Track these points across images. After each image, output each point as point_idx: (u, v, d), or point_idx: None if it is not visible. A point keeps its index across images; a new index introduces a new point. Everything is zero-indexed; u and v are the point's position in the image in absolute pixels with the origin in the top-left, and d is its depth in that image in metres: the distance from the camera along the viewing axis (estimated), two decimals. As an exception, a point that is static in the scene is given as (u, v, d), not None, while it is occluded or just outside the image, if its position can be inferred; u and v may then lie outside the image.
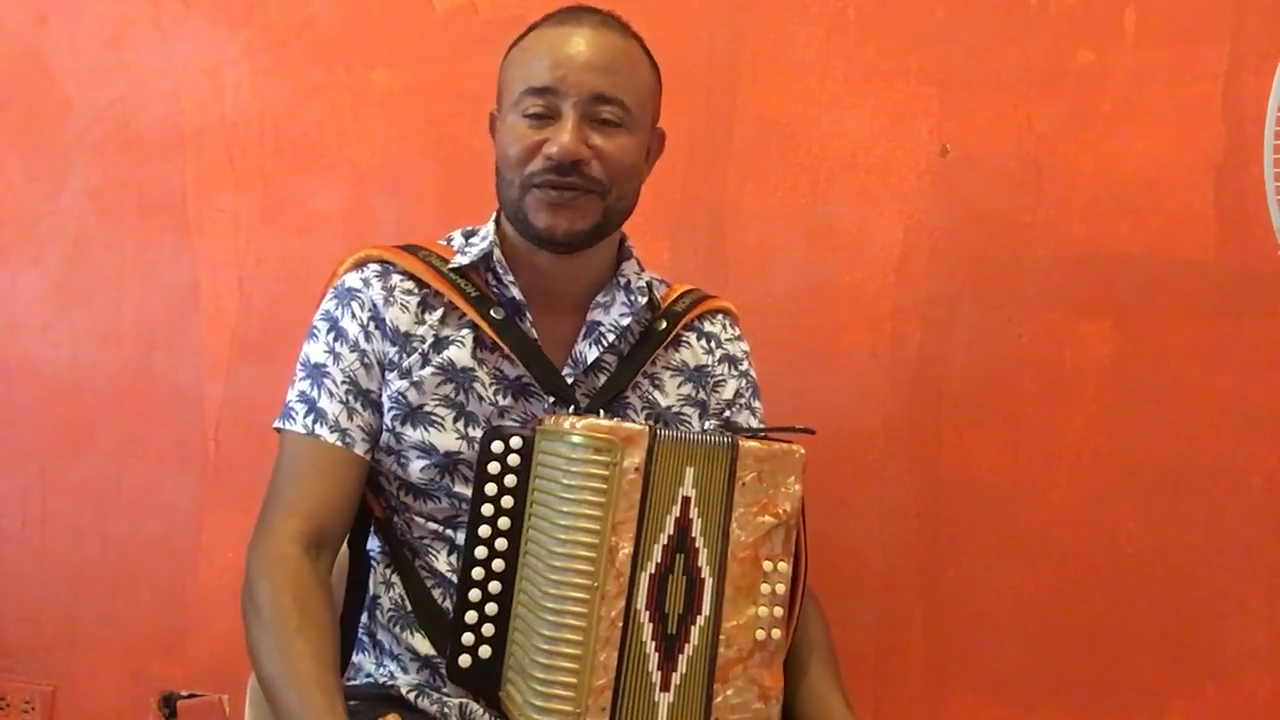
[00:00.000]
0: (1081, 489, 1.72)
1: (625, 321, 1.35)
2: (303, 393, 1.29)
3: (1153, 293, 1.70)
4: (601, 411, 1.29)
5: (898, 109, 1.81)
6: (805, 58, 1.85)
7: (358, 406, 1.29)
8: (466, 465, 1.28)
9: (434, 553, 1.30)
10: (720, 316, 1.48)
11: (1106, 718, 1.71)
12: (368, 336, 1.30)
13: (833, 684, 1.31)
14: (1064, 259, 1.73)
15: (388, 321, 1.30)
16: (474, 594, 1.20)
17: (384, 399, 1.30)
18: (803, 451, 1.21)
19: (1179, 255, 1.69)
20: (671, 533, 1.16)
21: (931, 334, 1.78)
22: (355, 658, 1.35)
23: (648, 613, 1.14)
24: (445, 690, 1.27)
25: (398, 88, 2.02)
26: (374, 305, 1.31)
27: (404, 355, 1.30)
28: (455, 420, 1.29)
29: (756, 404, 1.47)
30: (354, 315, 1.31)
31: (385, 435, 1.30)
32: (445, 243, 1.39)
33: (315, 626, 1.16)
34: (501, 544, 1.20)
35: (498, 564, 1.20)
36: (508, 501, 1.21)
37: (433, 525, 1.30)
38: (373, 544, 1.37)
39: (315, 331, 1.33)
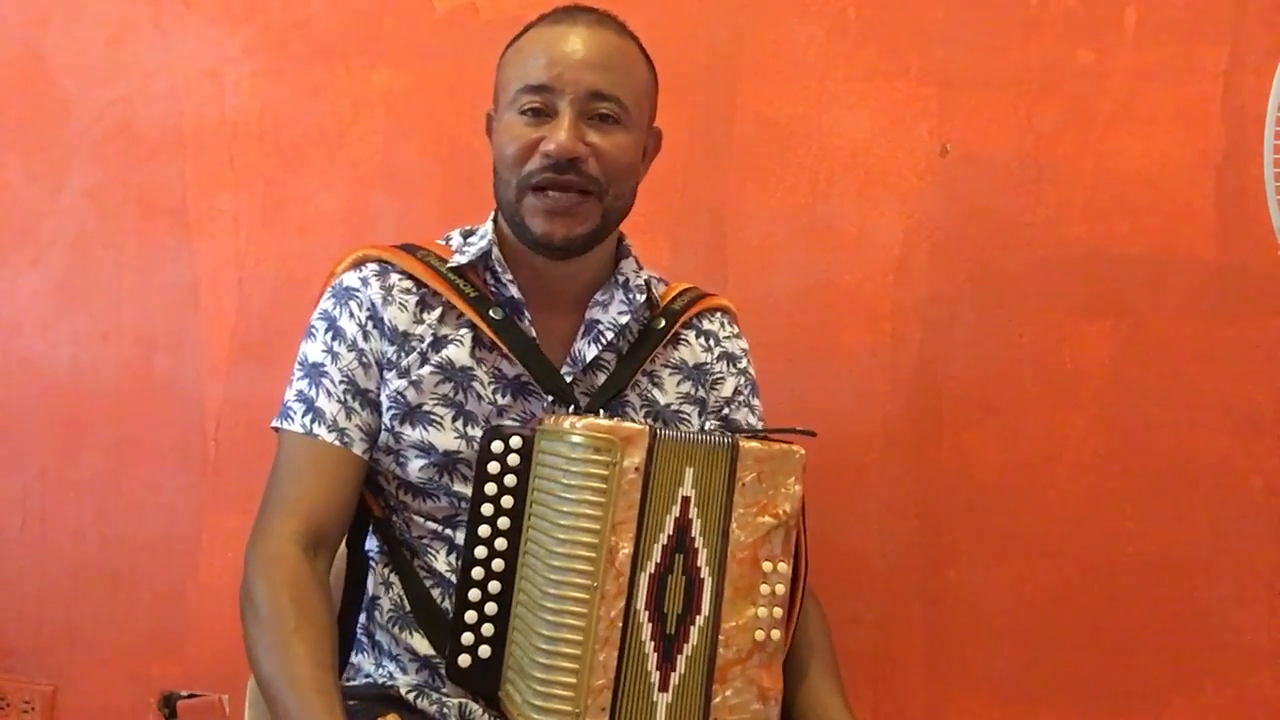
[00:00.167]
0: (1081, 489, 1.72)
1: (624, 319, 1.35)
2: (301, 392, 1.29)
3: (1153, 293, 1.70)
4: (601, 411, 1.29)
5: (898, 109, 1.81)
6: (805, 58, 1.85)
7: (356, 406, 1.29)
8: (465, 464, 1.28)
9: (433, 552, 1.30)
10: (719, 314, 1.48)
11: (1106, 718, 1.71)
12: (366, 336, 1.30)
13: (832, 686, 1.31)
14: (1064, 259, 1.73)
15: (386, 321, 1.30)
16: (474, 594, 1.20)
17: (382, 398, 1.30)
18: (803, 452, 1.21)
19: (1179, 255, 1.69)
20: (671, 533, 1.16)
21: (931, 334, 1.78)
22: (354, 658, 1.35)
23: (647, 613, 1.14)
24: (444, 690, 1.27)
25: (398, 88, 2.02)
26: (372, 304, 1.31)
27: (402, 354, 1.30)
28: (454, 419, 1.29)
29: (755, 402, 1.47)
30: (352, 315, 1.31)
31: (384, 435, 1.30)
32: (443, 242, 1.39)
33: (313, 627, 1.16)
34: (501, 544, 1.20)
35: (497, 564, 1.20)
36: (507, 501, 1.21)
37: (432, 524, 1.30)
38: (371, 544, 1.37)
39: (313, 331, 1.33)
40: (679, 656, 1.15)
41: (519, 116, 1.28)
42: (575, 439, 1.15)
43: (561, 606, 1.12)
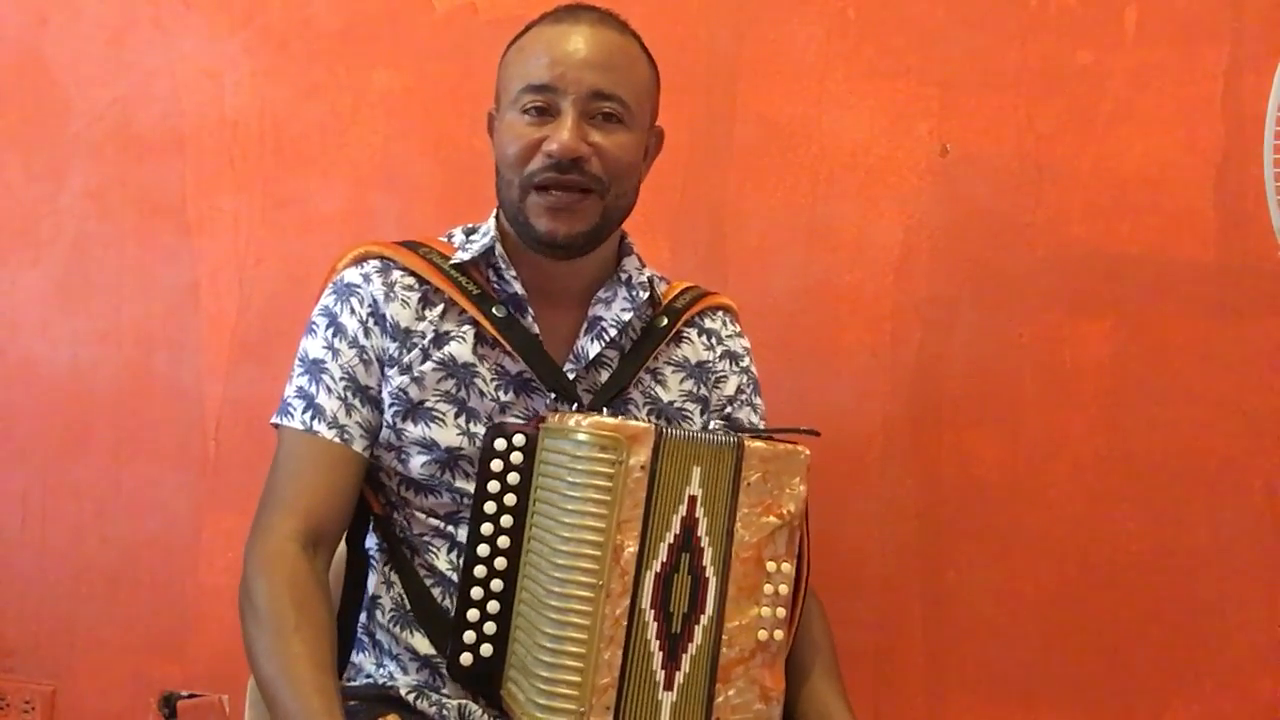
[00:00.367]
0: (1081, 489, 1.72)
1: (627, 316, 1.36)
2: (301, 388, 1.29)
3: (1153, 293, 1.70)
4: (605, 409, 1.29)
5: (898, 109, 1.81)
6: (805, 58, 1.85)
7: (356, 403, 1.28)
8: (468, 461, 1.28)
9: (434, 550, 1.30)
10: (720, 313, 1.48)
11: (1106, 718, 1.71)
12: (367, 333, 1.30)
13: (834, 687, 1.30)
14: (1064, 259, 1.74)
15: (388, 317, 1.30)
16: (476, 591, 1.20)
17: (384, 395, 1.30)
18: (807, 453, 1.21)
19: (1179, 255, 1.69)
20: (678, 531, 1.16)
21: (931, 334, 1.79)
22: (355, 658, 1.35)
23: (652, 611, 1.14)
24: (444, 691, 1.27)
25: (398, 88, 2.01)
26: (374, 301, 1.31)
27: (404, 351, 1.30)
28: (456, 416, 1.29)
29: (758, 400, 1.47)
30: (353, 311, 1.31)
31: (385, 431, 1.29)
32: (445, 239, 1.39)
33: (312, 627, 1.16)
34: (504, 541, 1.20)
35: (500, 562, 1.20)
36: (510, 499, 1.21)
37: (433, 521, 1.30)
38: (371, 542, 1.37)
39: (314, 327, 1.32)
40: (683, 655, 1.15)
41: (521, 116, 1.28)
42: (581, 437, 1.15)
43: (566, 605, 1.12)
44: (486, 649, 1.19)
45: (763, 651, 1.17)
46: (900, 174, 1.80)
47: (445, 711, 1.25)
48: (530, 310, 1.33)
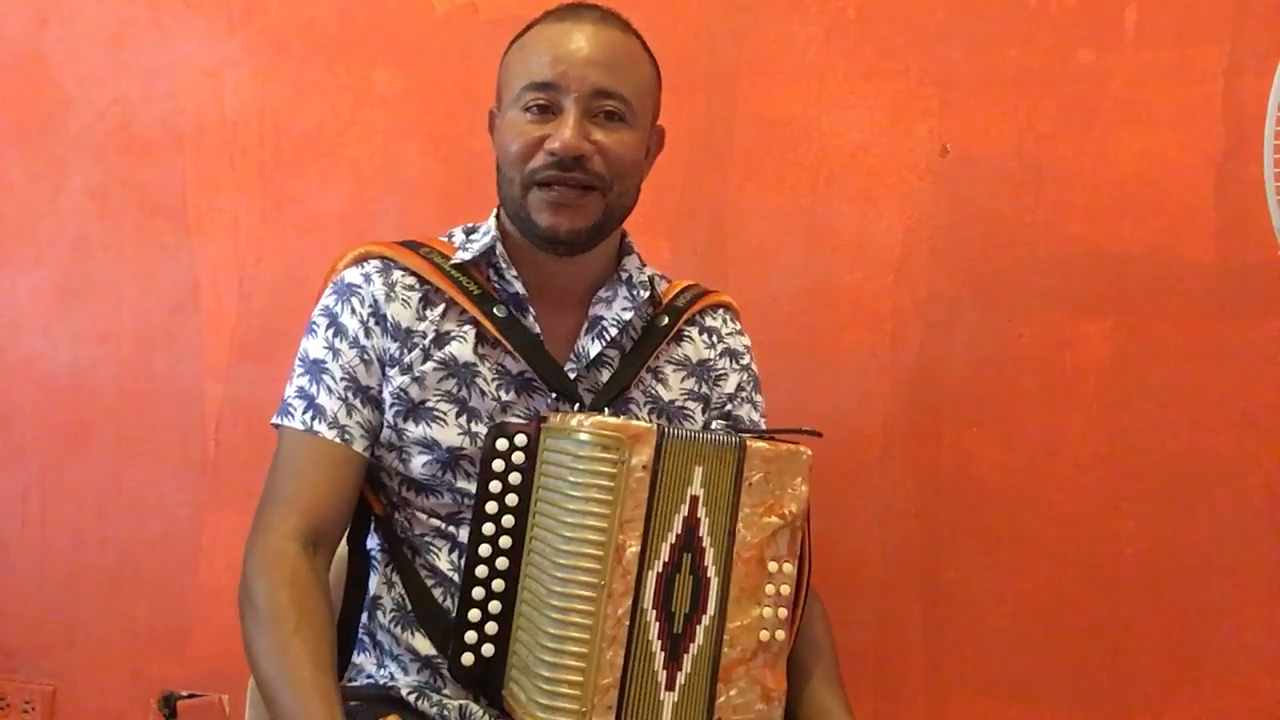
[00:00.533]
0: (1081, 489, 1.72)
1: (628, 316, 1.35)
2: (301, 389, 1.29)
3: (1153, 293, 1.70)
4: (606, 409, 1.29)
5: (898, 109, 1.81)
6: (805, 58, 1.85)
7: (356, 403, 1.28)
8: (469, 461, 1.28)
9: (435, 550, 1.30)
10: (721, 311, 1.48)
11: (1106, 718, 1.71)
12: (368, 333, 1.30)
13: (835, 689, 1.31)
14: (1064, 259, 1.74)
15: (389, 317, 1.30)
16: (477, 591, 1.20)
17: (385, 395, 1.29)
18: (809, 453, 1.21)
19: (1179, 255, 1.69)
20: (680, 531, 1.16)
21: (931, 334, 1.79)
22: (356, 658, 1.35)
23: (654, 611, 1.14)
24: (446, 691, 1.27)
25: (398, 88, 2.02)
26: (375, 301, 1.31)
27: (405, 351, 1.30)
28: (458, 415, 1.29)
29: (758, 398, 1.47)
30: (354, 311, 1.31)
31: (386, 431, 1.29)
32: (446, 239, 1.39)
33: (312, 627, 1.15)
34: (505, 541, 1.20)
35: (501, 561, 1.20)
36: (512, 499, 1.21)
37: (434, 521, 1.30)
38: (372, 542, 1.37)
39: (314, 327, 1.32)
40: (685, 655, 1.14)
41: (523, 114, 1.28)
42: (583, 436, 1.15)
43: (568, 605, 1.12)
44: (488, 649, 1.19)
45: (764, 652, 1.17)
46: (900, 174, 1.81)
47: (446, 712, 1.25)
48: (531, 310, 1.33)
